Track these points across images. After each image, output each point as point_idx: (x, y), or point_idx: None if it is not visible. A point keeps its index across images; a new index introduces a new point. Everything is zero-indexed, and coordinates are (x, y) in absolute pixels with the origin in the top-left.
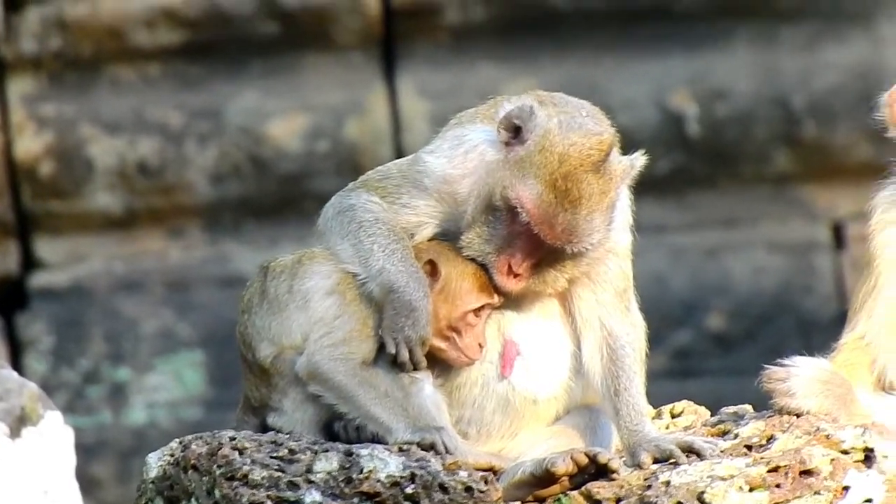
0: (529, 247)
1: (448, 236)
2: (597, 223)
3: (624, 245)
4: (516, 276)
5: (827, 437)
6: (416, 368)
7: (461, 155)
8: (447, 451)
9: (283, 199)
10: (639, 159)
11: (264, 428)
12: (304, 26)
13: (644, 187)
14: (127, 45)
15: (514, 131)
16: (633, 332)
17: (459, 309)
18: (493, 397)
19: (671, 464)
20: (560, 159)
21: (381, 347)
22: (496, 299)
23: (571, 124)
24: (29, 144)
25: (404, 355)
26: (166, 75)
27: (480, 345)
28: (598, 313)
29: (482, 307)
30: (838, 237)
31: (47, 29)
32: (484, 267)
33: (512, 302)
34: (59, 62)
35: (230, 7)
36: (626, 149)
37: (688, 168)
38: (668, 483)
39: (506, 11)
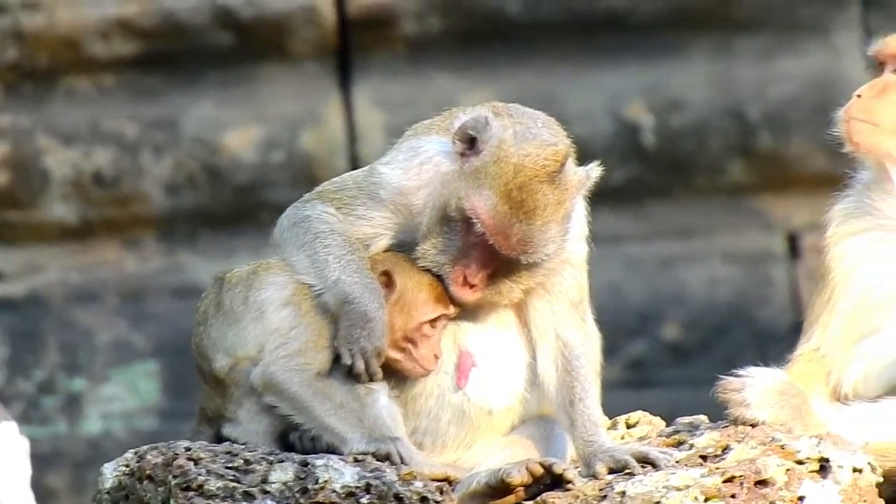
0: (485, 258)
1: (404, 247)
2: (552, 234)
3: (580, 256)
4: (472, 287)
5: (782, 447)
6: (371, 380)
7: (416, 166)
8: (402, 462)
9: (239, 209)
10: (594, 170)
11: (220, 438)
12: (260, 37)
13: (600, 198)
14: (83, 56)
15: (469, 142)
16: (588, 343)
17: (415, 320)
18: (448, 408)
19: (626, 474)
20: (515, 170)
21: (337, 358)
22: (451, 310)
23: (526, 135)
24: None
25: (360, 367)
26: (122, 86)
27: (436, 356)
28: (554, 324)
29: (438, 318)
30: (794, 248)
31: (3, 40)
32: (439, 278)
33: (467, 313)
34: (15, 73)
35: (185, 18)
36: (582, 159)
37: (643, 178)
38: (623, 493)
39: (462, 22)
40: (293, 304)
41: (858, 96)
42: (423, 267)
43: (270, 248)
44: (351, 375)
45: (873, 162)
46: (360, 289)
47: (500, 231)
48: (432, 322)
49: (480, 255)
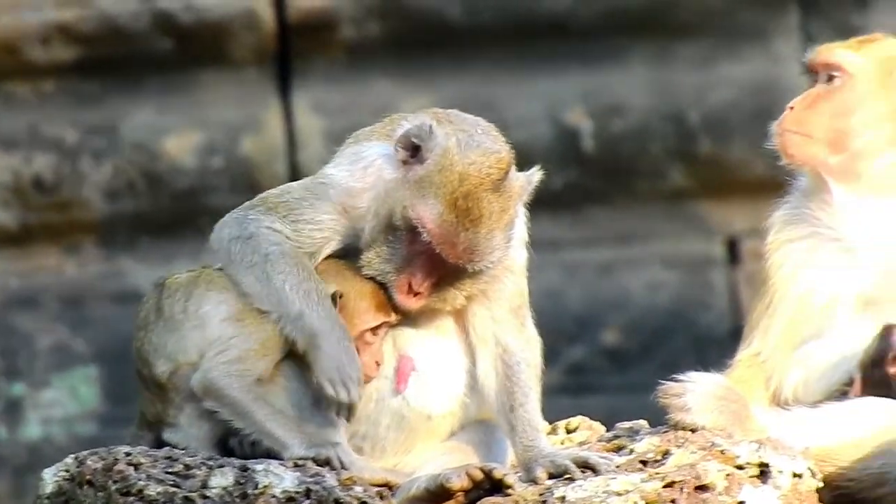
0: (430, 266)
1: (347, 253)
2: (497, 241)
3: (520, 262)
4: (416, 294)
5: (722, 452)
6: (350, 410)
7: (360, 170)
8: (342, 467)
9: (178, 215)
10: (535, 175)
11: (160, 443)
12: (199, 42)
13: (539, 203)
14: (21, 60)
15: (413, 150)
16: (528, 349)
17: (357, 328)
18: (387, 413)
19: (567, 479)
20: (460, 178)
21: (277, 367)
22: (393, 318)
23: (470, 143)
24: None
25: (344, 395)
26: (61, 91)
27: (377, 363)
28: (494, 330)
29: (379, 326)
30: (733, 253)
31: None
32: (381, 285)
33: (408, 318)
34: None
35: (125, 23)
36: (522, 165)
37: (583, 184)
38: (563, 498)
39: (401, 28)
40: (236, 320)
41: (791, 108)
42: (366, 275)
43: (209, 255)
44: (335, 406)
45: (810, 172)
46: (328, 323)
47: (447, 240)
48: (374, 330)
49: (426, 264)
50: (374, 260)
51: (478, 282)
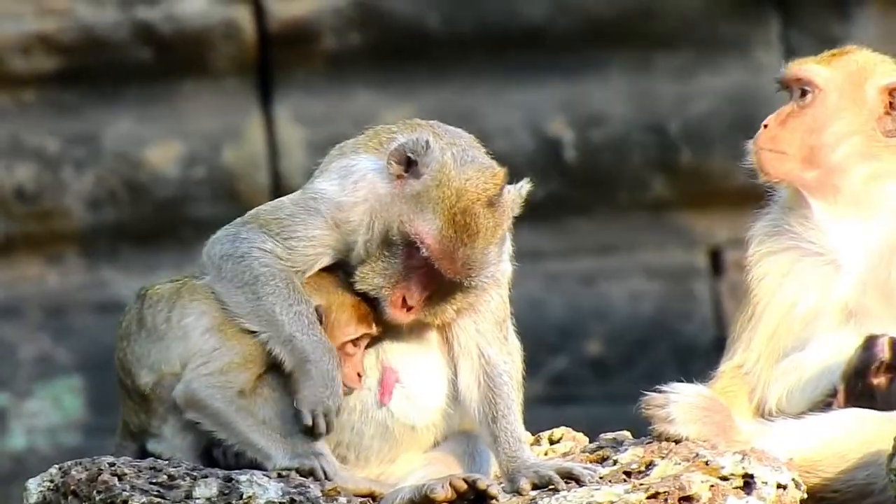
0: (426, 280)
1: (335, 266)
2: (491, 256)
3: (506, 275)
4: (409, 309)
5: (706, 463)
6: (327, 433)
7: (351, 184)
8: (326, 477)
9: (160, 225)
10: (524, 188)
11: (144, 453)
12: (180, 53)
13: (521, 213)
14: (2, 71)
15: (407, 164)
16: (510, 361)
17: (338, 340)
18: (371, 423)
19: (550, 490)
20: (458, 194)
21: (259, 378)
22: (374, 329)
23: (465, 158)
24: None
25: (322, 427)
26: (42, 101)
27: (359, 374)
28: (477, 341)
29: (360, 337)
30: (716, 263)
31: None
32: (370, 299)
33: (392, 330)
34: None
35: (105, 33)
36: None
37: (564, 194)
38: None
39: (381, 38)
40: (218, 331)
41: (765, 126)
42: (360, 290)
43: (196, 267)
44: (309, 433)
45: (788, 187)
46: (320, 349)
47: (445, 255)
48: (355, 341)
49: (422, 278)
50: (369, 274)
51: (468, 296)
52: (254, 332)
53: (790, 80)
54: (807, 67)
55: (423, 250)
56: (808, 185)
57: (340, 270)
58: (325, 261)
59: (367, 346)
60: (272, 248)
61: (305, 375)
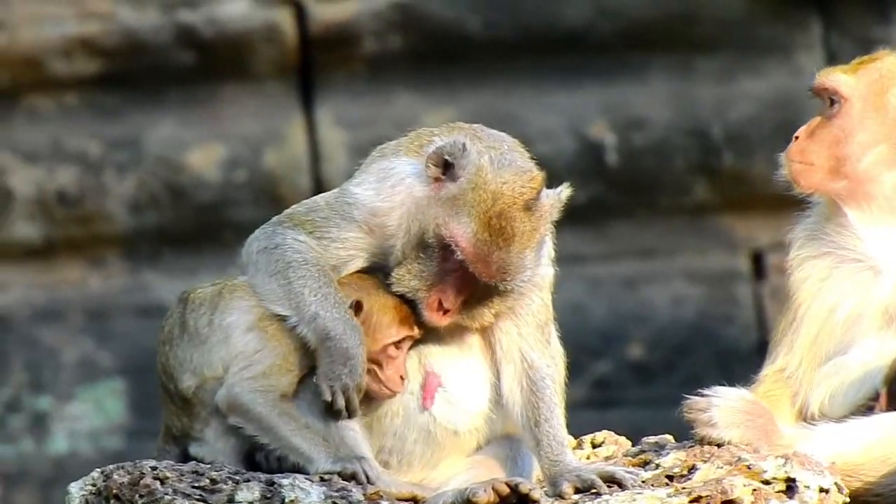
0: (461, 283)
1: (373, 269)
2: (528, 260)
3: (547, 279)
4: (446, 312)
5: (748, 467)
6: (350, 416)
7: (388, 188)
8: (369, 481)
9: (202, 228)
10: (564, 192)
11: (186, 457)
12: (221, 56)
13: (562, 217)
14: (44, 74)
15: (445, 167)
16: (552, 365)
17: (380, 342)
18: (414, 428)
19: (593, 493)
20: (494, 197)
21: (302, 381)
22: (416, 332)
23: (503, 161)
24: None
25: (340, 403)
26: (84, 105)
27: (402, 377)
28: (520, 346)
29: (402, 340)
30: (758, 267)
31: None
32: (407, 300)
33: (434, 334)
34: None
35: (147, 37)
36: (545, 179)
37: (606, 198)
38: None
39: (422, 41)
40: (259, 329)
41: (796, 138)
42: (396, 292)
43: (237, 269)
44: (330, 412)
45: (824, 197)
46: (341, 325)
47: (480, 258)
48: (397, 344)
49: (457, 281)
50: (405, 277)
51: (506, 299)
52: (284, 317)
53: (819, 89)
54: (832, 77)
55: (458, 253)
56: (840, 195)
57: (381, 273)
58: (359, 263)
59: (409, 350)
60: (306, 239)
61: (326, 352)
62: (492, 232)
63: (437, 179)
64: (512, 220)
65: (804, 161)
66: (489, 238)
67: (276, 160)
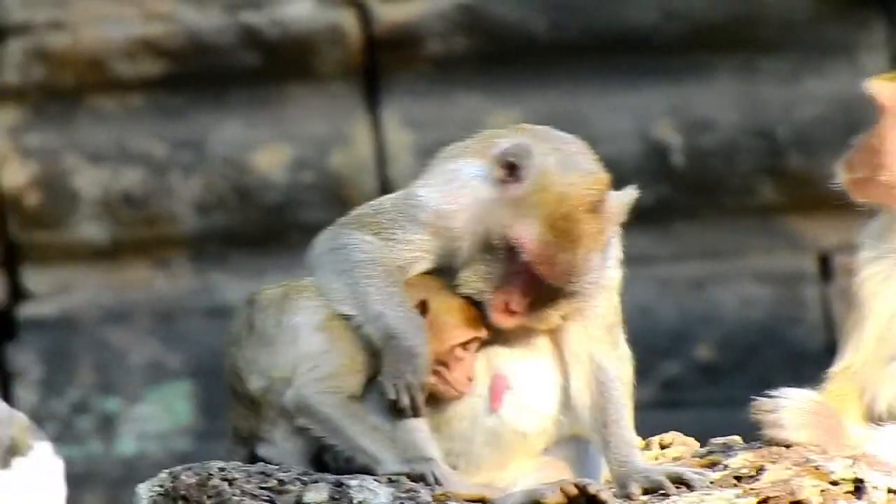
0: (528, 285)
1: (440, 271)
2: (594, 262)
3: (615, 280)
4: (512, 314)
5: (816, 468)
6: (415, 415)
7: (454, 190)
8: (437, 482)
9: (268, 229)
10: (630, 195)
11: (253, 458)
12: (286, 57)
13: (629, 219)
14: (108, 75)
15: (510, 169)
16: (621, 366)
17: (446, 343)
18: (482, 431)
19: (661, 495)
20: (559, 199)
21: (370, 383)
22: (483, 333)
23: (568, 163)
24: (14, 175)
25: (405, 401)
26: (148, 106)
27: (469, 378)
28: (588, 347)
29: (469, 341)
30: (825, 268)
31: (29, 60)
32: (474, 301)
33: (501, 336)
34: (41, 93)
35: (211, 37)
36: (612, 180)
37: (672, 199)
38: None
39: (488, 42)
40: (326, 330)
41: (852, 147)
42: (463, 294)
43: (303, 270)
44: (394, 410)
45: (883, 206)
46: (405, 324)
47: (546, 260)
48: (464, 345)
49: (523, 283)
50: (472, 278)
51: (573, 302)
52: (350, 316)
53: (869, 98)
54: (874, 85)
55: (524, 255)
56: (888, 202)
57: (447, 274)
58: (425, 264)
59: (478, 352)
60: (372, 240)
61: (390, 350)
62: (557, 234)
63: (502, 182)
64: (577, 222)
65: (854, 171)
66: (555, 240)
67: (342, 161)
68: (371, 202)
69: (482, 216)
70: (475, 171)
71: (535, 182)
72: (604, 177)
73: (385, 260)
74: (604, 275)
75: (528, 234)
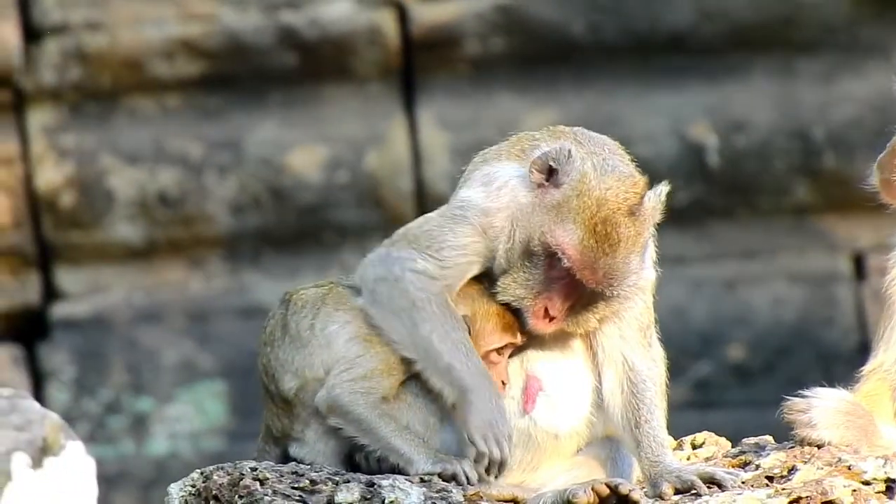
0: (567, 290)
1: (477, 276)
2: (633, 265)
3: (649, 281)
4: (552, 319)
5: (848, 468)
6: (501, 469)
7: (495, 190)
8: (469, 483)
9: (303, 229)
10: (663, 191)
11: (286, 458)
12: (324, 57)
13: (664, 219)
14: (145, 76)
15: (548, 173)
16: (654, 367)
17: (482, 349)
18: (515, 432)
19: (693, 495)
20: (598, 204)
21: (403, 384)
22: (519, 339)
23: (606, 167)
24: (50, 175)
25: (505, 452)
26: (185, 106)
27: (503, 382)
28: (621, 349)
29: (505, 346)
30: (859, 268)
31: (67, 60)
32: (513, 309)
33: (535, 338)
34: (78, 93)
35: (249, 38)
36: (648, 180)
37: (707, 199)
38: None
39: (525, 43)
40: (364, 340)
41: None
42: (501, 300)
43: (338, 270)
44: (481, 463)
45: None
46: (479, 379)
47: (587, 265)
48: (499, 350)
49: (563, 288)
50: (511, 285)
51: (612, 305)
52: (411, 360)
53: None
54: None
55: (565, 261)
56: None
57: (485, 279)
58: (475, 269)
59: (511, 356)
60: (424, 267)
61: (469, 405)
62: (598, 238)
63: (540, 185)
64: (617, 225)
65: (885, 174)
66: (595, 245)
67: (378, 162)
68: (416, 219)
69: (520, 220)
70: (513, 172)
71: (574, 187)
72: (641, 179)
73: (438, 288)
74: (641, 276)
75: (569, 240)
